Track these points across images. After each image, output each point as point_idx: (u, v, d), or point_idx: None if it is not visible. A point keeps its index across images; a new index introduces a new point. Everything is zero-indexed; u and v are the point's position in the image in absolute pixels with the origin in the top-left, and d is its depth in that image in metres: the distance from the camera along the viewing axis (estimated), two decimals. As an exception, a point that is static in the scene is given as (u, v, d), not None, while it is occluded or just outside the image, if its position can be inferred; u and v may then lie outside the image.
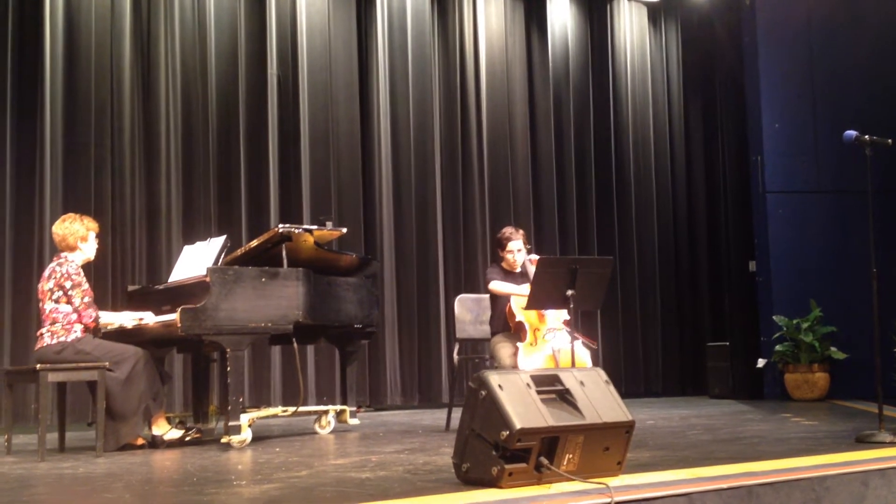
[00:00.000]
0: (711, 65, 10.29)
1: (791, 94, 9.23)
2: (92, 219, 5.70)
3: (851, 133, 4.92)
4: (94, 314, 5.44)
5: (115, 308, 6.50)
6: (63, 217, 5.65)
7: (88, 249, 5.62)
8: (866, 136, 4.89)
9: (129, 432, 5.31)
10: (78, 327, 5.39)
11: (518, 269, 6.08)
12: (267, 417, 6.22)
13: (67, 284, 5.37)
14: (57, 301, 5.38)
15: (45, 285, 5.43)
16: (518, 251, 6.04)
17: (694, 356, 10.30)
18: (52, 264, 5.50)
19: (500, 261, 6.18)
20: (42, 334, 5.40)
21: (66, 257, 5.50)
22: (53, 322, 5.37)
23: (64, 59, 7.57)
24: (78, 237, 5.54)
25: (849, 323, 8.48)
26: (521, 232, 6.14)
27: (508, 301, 5.84)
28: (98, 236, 5.71)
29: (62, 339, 5.33)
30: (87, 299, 5.42)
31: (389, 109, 9.00)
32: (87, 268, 5.67)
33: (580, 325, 5.81)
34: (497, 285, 5.93)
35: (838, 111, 8.93)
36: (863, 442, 4.63)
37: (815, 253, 9.02)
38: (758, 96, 9.23)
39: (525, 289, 5.69)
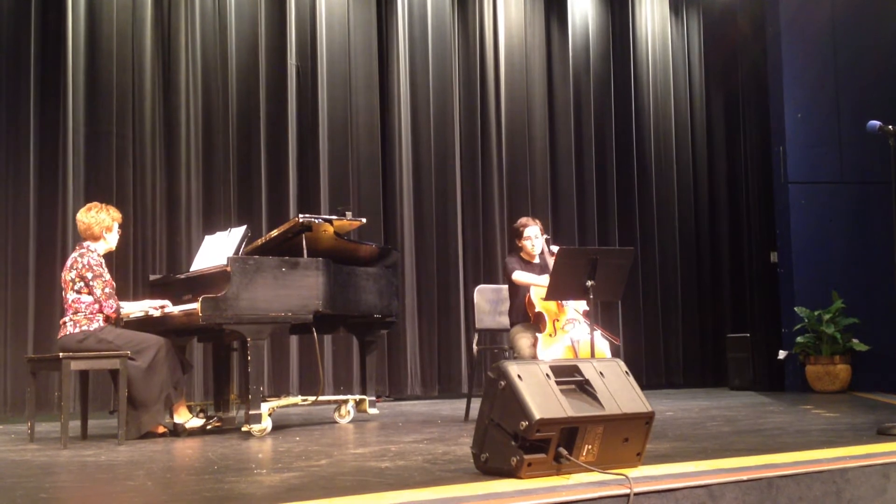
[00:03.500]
0: (734, 55, 10.21)
1: (814, 84, 9.15)
2: (116, 209, 5.74)
3: (875, 123, 4.87)
4: (114, 305, 5.47)
5: (137, 297, 6.56)
6: (88, 206, 5.67)
7: (112, 239, 5.66)
8: (890, 127, 4.84)
9: (150, 420, 5.35)
10: (100, 317, 5.43)
11: (536, 258, 6.10)
12: (287, 406, 6.26)
13: (89, 276, 5.41)
14: (79, 292, 5.42)
15: (68, 275, 5.47)
16: (535, 237, 6.06)
17: (714, 347, 10.27)
18: (75, 254, 5.54)
19: (518, 251, 6.19)
20: (65, 323, 5.45)
21: (88, 247, 5.53)
22: (76, 311, 5.41)
23: (86, 48, 7.61)
24: (103, 227, 5.57)
25: (871, 315, 8.42)
26: (536, 220, 6.18)
27: (528, 291, 5.84)
28: (121, 227, 5.75)
29: (84, 328, 5.37)
30: (108, 290, 5.46)
31: (409, 100, 9.00)
32: (109, 257, 5.71)
33: (600, 316, 5.79)
34: (520, 276, 5.92)
35: (862, 101, 8.85)
36: (884, 434, 4.60)
37: (838, 244, 8.96)
38: (780, 86, 9.16)
39: (546, 279, 5.71)
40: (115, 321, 5.55)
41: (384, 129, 8.87)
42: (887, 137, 4.85)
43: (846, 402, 7.34)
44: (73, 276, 5.43)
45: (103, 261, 5.57)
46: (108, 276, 5.52)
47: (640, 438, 3.52)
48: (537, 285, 5.81)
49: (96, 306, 5.42)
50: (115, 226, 5.66)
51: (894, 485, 3.64)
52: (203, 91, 8.08)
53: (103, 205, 5.68)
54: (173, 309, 5.63)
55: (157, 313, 5.65)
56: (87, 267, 5.42)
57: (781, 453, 3.96)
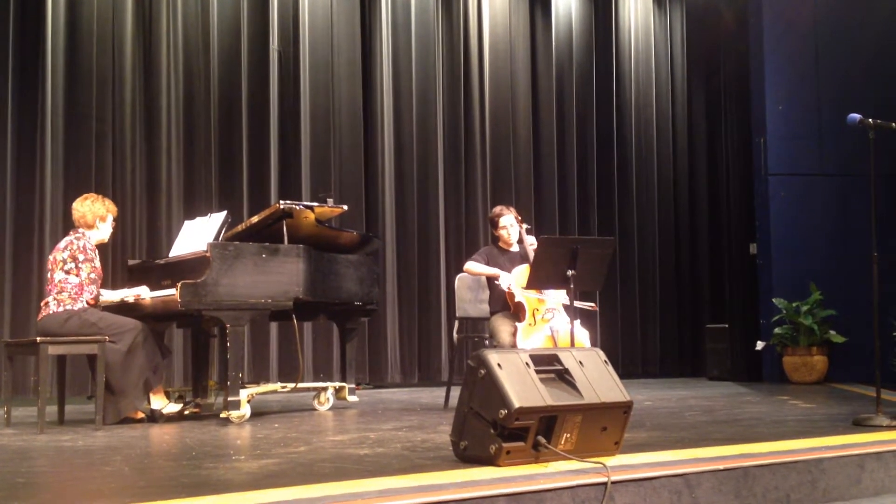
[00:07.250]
0: (716, 46, 10.23)
1: (795, 77, 9.19)
2: (112, 202, 5.77)
3: (855, 116, 4.90)
4: (94, 290, 5.48)
5: (115, 282, 6.54)
6: (85, 196, 5.72)
7: (105, 230, 5.69)
8: (870, 120, 4.87)
9: (128, 406, 5.33)
10: (84, 297, 5.41)
11: (515, 246, 6.12)
12: (266, 393, 6.24)
13: (80, 257, 5.44)
14: (67, 272, 5.42)
15: (59, 255, 5.47)
16: (511, 226, 6.11)
17: (693, 338, 10.33)
18: (70, 237, 5.56)
19: (497, 241, 6.22)
20: (48, 303, 5.42)
21: (83, 233, 5.58)
22: (61, 291, 5.39)
23: (66, 31, 7.54)
24: (98, 216, 5.62)
25: (848, 307, 8.49)
26: (511, 208, 6.21)
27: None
28: (115, 220, 5.77)
29: (69, 307, 5.36)
30: (93, 275, 5.48)
31: (392, 87, 8.97)
32: (94, 245, 5.70)
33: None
34: (471, 266, 6.06)
35: (843, 94, 8.89)
36: (860, 425, 4.64)
37: (816, 236, 9.02)
38: (762, 78, 9.20)
39: (494, 270, 5.87)
40: (94, 306, 5.53)
41: (366, 116, 8.83)
42: (867, 130, 4.88)
43: (823, 393, 7.40)
44: (66, 257, 5.44)
45: (97, 249, 5.59)
46: (97, 264, 5.55)
47: (618, 427, 3.54)
48: (485, 275, 6.00)
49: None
50: (110, 217, 5.72)
51: (869, 475, 3.68)
52: (184, 75, 8.02)
53: (100, 196, 5.75)
54: (151, 294, 5.60)
55: (132, 300, 5.64)
56: (80, 249, 5.46)
57: (758, 443, 3.98)
